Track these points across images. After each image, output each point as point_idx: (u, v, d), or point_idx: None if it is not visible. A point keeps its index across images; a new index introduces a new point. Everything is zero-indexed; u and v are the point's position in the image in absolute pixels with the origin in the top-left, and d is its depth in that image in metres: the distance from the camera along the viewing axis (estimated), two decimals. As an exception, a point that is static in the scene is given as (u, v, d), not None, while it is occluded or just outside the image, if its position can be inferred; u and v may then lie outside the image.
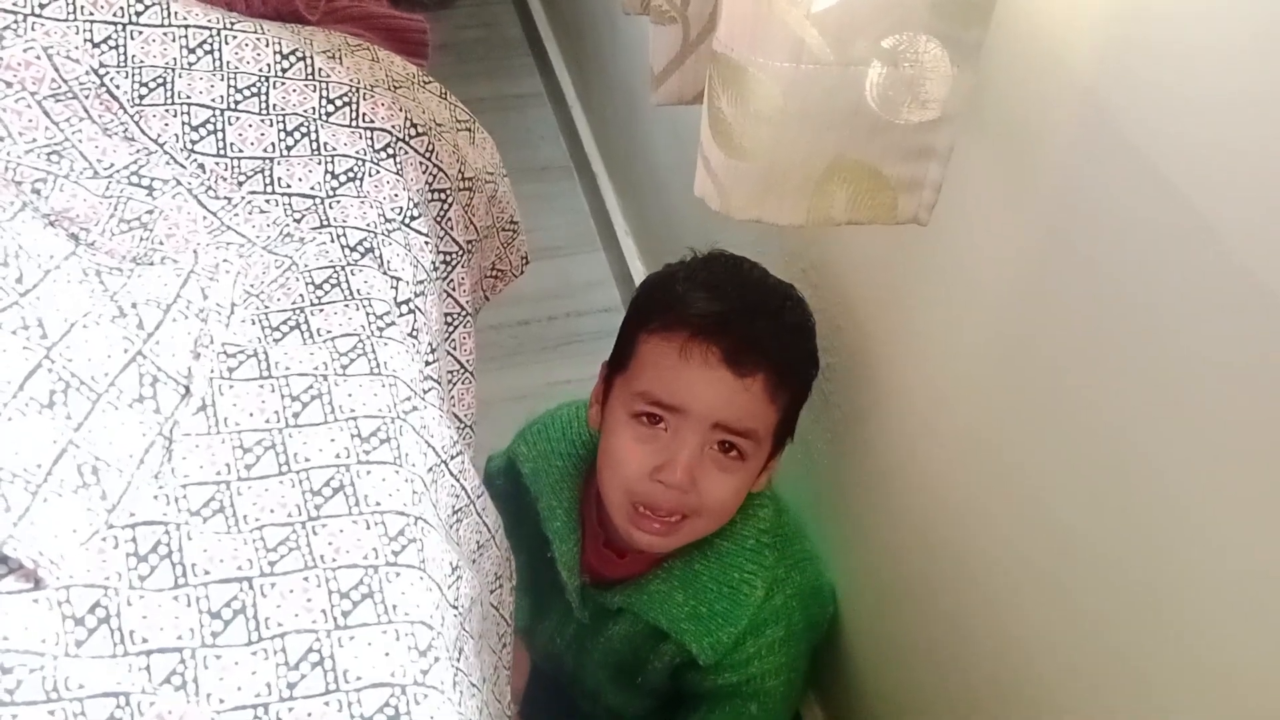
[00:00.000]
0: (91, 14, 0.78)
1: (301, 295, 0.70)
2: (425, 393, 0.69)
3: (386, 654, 0.55)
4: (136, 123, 0.75)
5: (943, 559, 0.74)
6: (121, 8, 0.78)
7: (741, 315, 0.73)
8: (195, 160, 0.76)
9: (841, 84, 0.50)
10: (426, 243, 0.78)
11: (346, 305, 0.70)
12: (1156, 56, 0.48)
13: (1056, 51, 0.52)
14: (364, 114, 0.79)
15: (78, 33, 0.77)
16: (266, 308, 0.69)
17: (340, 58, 0.83)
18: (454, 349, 0.83)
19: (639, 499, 0.75)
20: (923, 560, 0.77)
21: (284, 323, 0.68)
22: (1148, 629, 0.56)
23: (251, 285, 0.70)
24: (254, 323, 0.68)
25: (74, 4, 0.77)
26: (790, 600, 0.83)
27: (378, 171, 0.78)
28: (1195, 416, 0.49)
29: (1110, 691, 0.59)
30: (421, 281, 0.75)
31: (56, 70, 0.73)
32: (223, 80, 0.78)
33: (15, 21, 0.75)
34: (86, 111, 0.74)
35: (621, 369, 0.78)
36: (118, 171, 0.73)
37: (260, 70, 0.79)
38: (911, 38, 0.48)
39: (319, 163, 0.77)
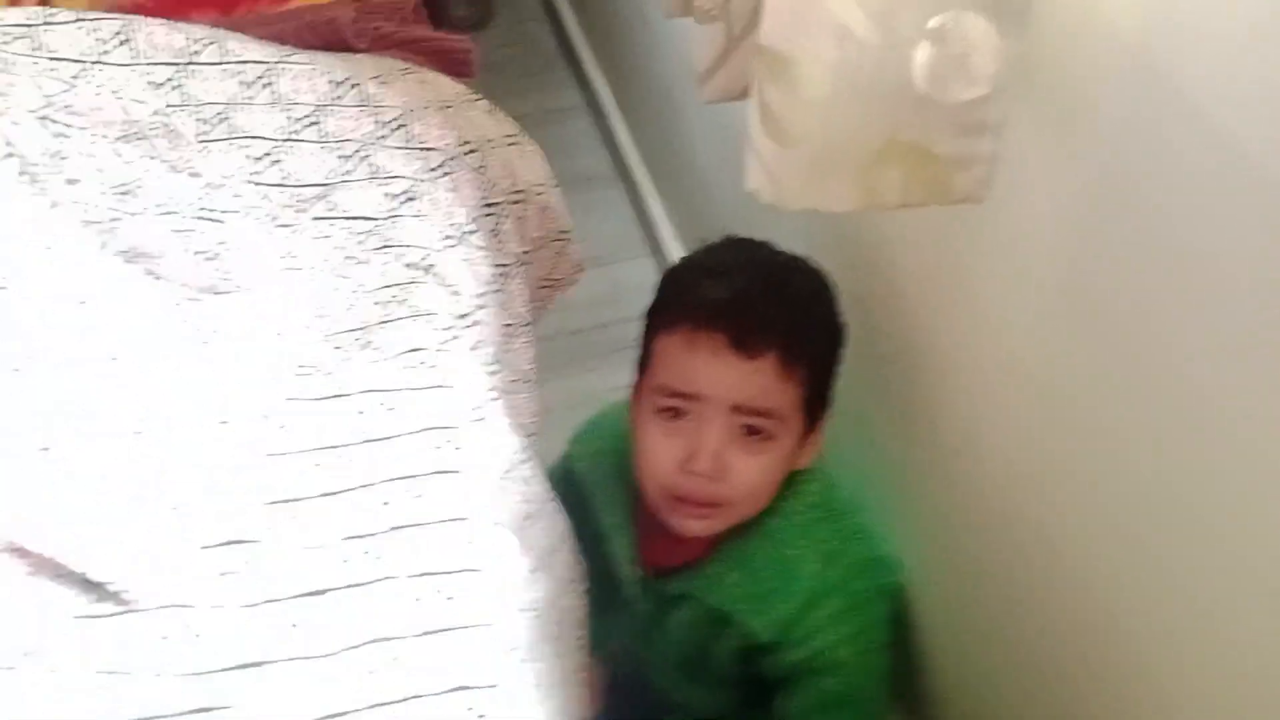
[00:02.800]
0: (152, 57, 0.81)
1: (368, 315, 0.72)
2: (491, 402, 0.71)
3: (468, 657, 0.56)
4: (202, 158, 0.78)
5: (1020, 533, 0.73)
6: (181, 49, 0.82)
7: (744, 298, 0.74)
8: (259, 191, 0.78)
9: (889, 66, 0.50)
10: (484, 256, 0.79)
11: (411, 321, 0.72)
12: (1204, 6, 0.47)
13: (1101, 8, 0.52)
14: (417, 135, 0.81)
15: (140, 76, 0.80)
16: (335, 328, 0.71)
17: (391, 82, 0.85)
18: (515, 358, 0.84)
19: (675, 491, 0.76)
20: (999, 537, 0.76)
21: (353, 342, 0.70)
22: (1245, 585, 0.54)
23: (320, 308, 0.72)
24: (324, 343, 0.70)
25: (136, 49, 0.81)
26: (848, 571, 0.83)
27: (433, 190, 0.80)
28: (1272, 360, 0.48)
29: (1210, 654, 0.58)
30: (481, 294, 0.77)
31: (125, 112, 0.76)
32: (281, 112, 0.81)
33: (83, 70, 0.79)
34: (154, 150, 0.77)
35: (644, 368, 0.80)
36: (186, 207, 0.75)
37: (315, 100, 0.82)
38: (957, 15, 0.48)
39: (377, 186, 0.79)
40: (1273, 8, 0.44)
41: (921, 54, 0.49)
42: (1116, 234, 0.56)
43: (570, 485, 0.92)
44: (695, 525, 0.78)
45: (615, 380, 1.29)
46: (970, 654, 0.83)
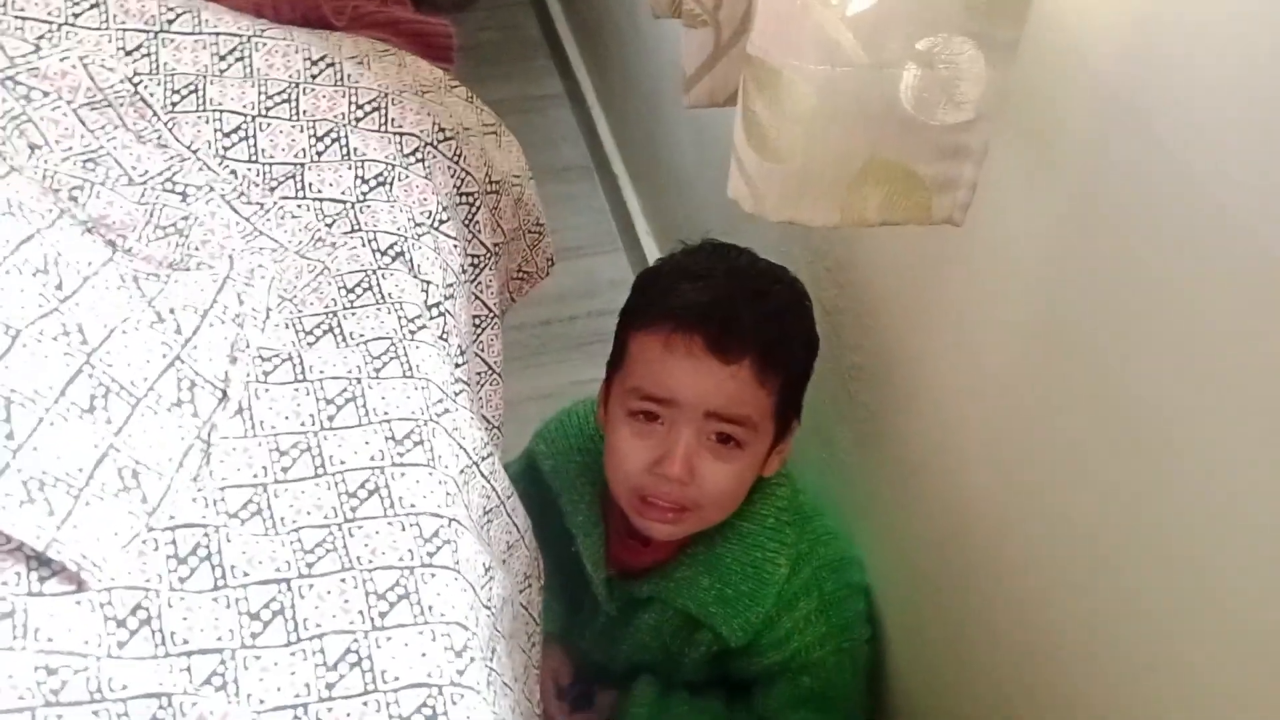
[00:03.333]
0: (124, 23, 0.79)
1: (334, 299, 0.71)
2: (456, 395, 0.70)
3: (423, 654, 0.55)
4: (170, 130, 0.76)
5: (972, 555, 0.74)
6: (153, 16, 0.79)
7: (724, 302, 0.74)
8: (228, 166, 0.77)
9: (876, 86, 0.50)
10: (455, 246, 0.78)
11: (378, 309, 0.70)
12: (1177, 48, 0.48)
13: (1079, 44, 0.53)
14: (393, 119, 0.80)
15: (111, 41, 0.78)
16: (300, 312, 0.70)
17: (369, 63, 0.83)
18: (482, 351, 0.83)
19: (644, 492, 0.77)
20: (953, 557, 0.77)
21: (317, 326, 0.69)
22: (1196, 603, 0.55)
23: (285, 290, 0.70)
24: (288, 327, 0.68)
25: (107, 13, 0.78)
26: (819, 572, 0.83)
27: (407, 176, 0.78)
28: (1238, 396, 0.49)
29: (1161, 667, 0.59)
30: (451, 284, 0.76)
31: (92, 79, 0.74)
32: (254, 87, 0.79)
33: (50, 31, 0.76)
34: (121, 119, 0.74)
35: (617, 368, 0.79)
36: (152, 178, 0.73)
37: (290, 77, 0.80)
38: (946, 39, 0.48)
39: (349, 168, 0.78)
40: (1235, 49, 0.45)
41: (909, 75, 0.49)
42: (1087, 259, 0.57)
43: (535, 482, 0.91)
44: (662, 529, 0.78)
45: (583, 373, 1.29)
46: (929, 665, 0.84)
